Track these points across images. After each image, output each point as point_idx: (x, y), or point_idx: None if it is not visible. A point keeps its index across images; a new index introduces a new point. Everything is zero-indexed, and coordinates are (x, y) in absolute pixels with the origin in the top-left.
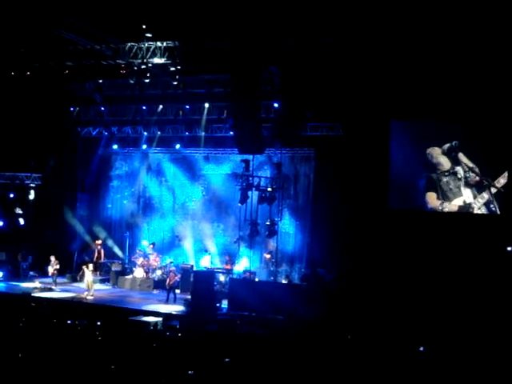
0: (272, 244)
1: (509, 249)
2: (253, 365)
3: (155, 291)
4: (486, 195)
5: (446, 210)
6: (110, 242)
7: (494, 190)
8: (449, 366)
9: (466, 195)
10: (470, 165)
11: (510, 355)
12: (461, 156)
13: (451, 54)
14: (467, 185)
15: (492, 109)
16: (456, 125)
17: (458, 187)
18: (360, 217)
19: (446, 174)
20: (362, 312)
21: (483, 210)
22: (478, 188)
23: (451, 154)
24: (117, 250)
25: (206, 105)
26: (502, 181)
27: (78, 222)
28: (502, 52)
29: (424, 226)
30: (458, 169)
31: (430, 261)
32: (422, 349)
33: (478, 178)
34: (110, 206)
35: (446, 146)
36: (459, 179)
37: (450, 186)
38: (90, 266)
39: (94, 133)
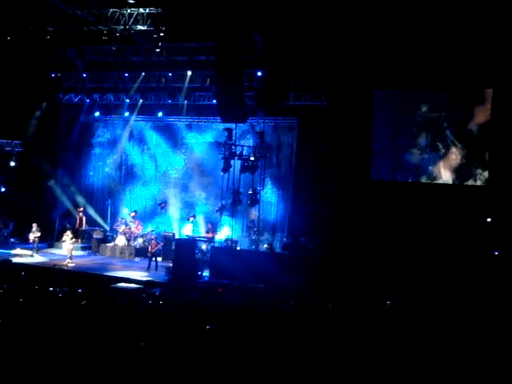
0: (254, 213)
1: (488, 220)
2: (234, 333)
3: (137, 259)
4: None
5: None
6: (91, 210)
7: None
8: (430, 332)
9: (446, 178)
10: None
11: (489, 322)
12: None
13: (435, 21)
14: (447, 167)
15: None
16: (442, 94)
17: (438, 168)
18: (342, 186)
19: (427, 149)
20: (343, 281)
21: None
22: (459, 173)
23: (436, 128)
24: (98, 217)
25: (189, 72)
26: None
27: (59, 189)
28: (488, 17)
29: (405, 196)
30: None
31: (412, 231)
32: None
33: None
34: (91, 173)
35: (432, 116)
36: (439, 157)
37: (430, 166)
38: (70, 233)
39: (76, 99)
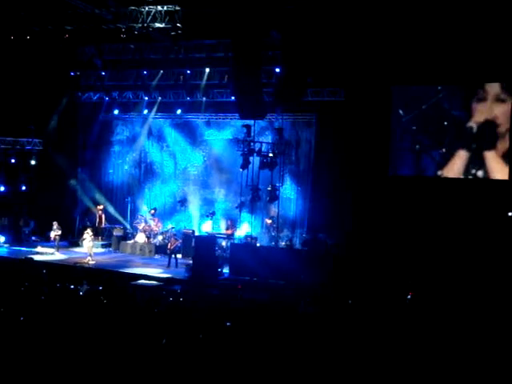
0: (273, 209)
1: (510, 214)
2: (254, 329)
3: (157, 256)
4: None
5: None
6: (111, 207)
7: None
8: (448, 328)
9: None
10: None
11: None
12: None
13: (452, 17)
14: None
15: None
16: (460, 87)
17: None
18: (361, 182)
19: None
20: (363, 277)
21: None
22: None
23: (454, 122)
24: (118, 215)
25: (207, 69)
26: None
27: (79, 188)
28: (502, 15)
29: (424, 191)
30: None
31: (431, 226)
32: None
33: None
34: (111, 171)
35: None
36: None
37: (447, 156)
38: (90, 230)
39: (95, 98)
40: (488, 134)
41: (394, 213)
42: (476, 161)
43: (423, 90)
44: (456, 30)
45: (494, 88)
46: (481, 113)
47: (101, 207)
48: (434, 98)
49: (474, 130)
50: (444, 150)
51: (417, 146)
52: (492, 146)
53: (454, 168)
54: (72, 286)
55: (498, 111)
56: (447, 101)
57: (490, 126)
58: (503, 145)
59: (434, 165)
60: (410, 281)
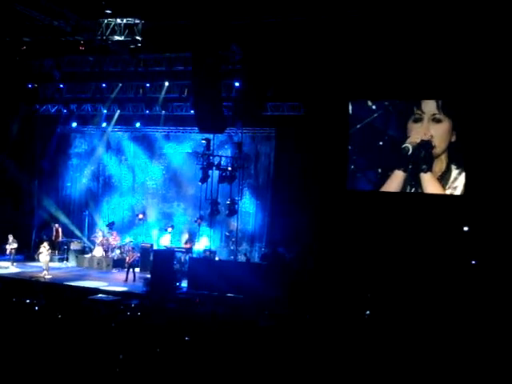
0: (232, 223)
1: (465, 229)
2: (212, 343)
3: (114, 270)
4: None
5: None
6: (68, 221)
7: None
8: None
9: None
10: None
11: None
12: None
13: (409, 32)
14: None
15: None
16: (417, 102)
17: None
18: (320, 196)
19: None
20: (322, 291)
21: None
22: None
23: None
24: (75, 228)
25: (166, 83)
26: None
27: (36, 201)
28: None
29: (382, 206)
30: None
31: (389, 240)
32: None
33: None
34: (69, 184)
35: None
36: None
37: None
38: (47, 244)
39: (53, 110)
40: (424, 156)
41: (352, 227)
42: (413, 182)
43: (359, 108)
44: (413, 45)
45: (430, 107)
46: (417, 133)
47: (58, 221)
48: (368, 117)
49: (410, 151)
50: (380, 170)
51: (351, 167)
52: (428, 168)
53: (391, 189)
54: (28, 301)
55: (434, 132)
56: (382, 120)
57: (425, 146)
58: (439, 166)
59: (370, 185)
60: (368, 294)
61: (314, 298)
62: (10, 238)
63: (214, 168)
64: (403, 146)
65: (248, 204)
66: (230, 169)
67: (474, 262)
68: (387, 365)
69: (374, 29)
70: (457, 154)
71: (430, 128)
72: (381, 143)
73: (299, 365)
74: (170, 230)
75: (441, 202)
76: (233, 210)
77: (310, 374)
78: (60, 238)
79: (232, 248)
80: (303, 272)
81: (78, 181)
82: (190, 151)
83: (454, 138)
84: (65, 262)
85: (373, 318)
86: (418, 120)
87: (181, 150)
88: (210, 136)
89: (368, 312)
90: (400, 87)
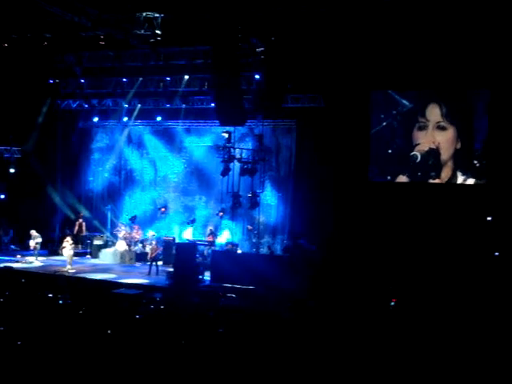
0: (255, 216)
1: (489, 218)
2: (235, 336)
3: (137, 264)
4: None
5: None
6: (91, 216)
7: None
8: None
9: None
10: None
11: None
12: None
13: (431, 22)
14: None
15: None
16: (421, 111)
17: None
18: (341, 188)
19: (427, 150)
20: (344, 282)
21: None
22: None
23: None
24: (98, 223)
25: (186, 76)
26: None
27: (58, 196)
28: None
29: (404, 196)
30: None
31: (411, 231)
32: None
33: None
34: (91, 179)
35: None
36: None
37: (429, 163)
38: (70, 239)
39: (74, 105)
40: (432, 163)
41: (374, 218)
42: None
43: (403, 95)
44: (436, 35)
45: (434, 115)
46: (424, 141)
47: (81, 215)
48: (378, 126)
49: (419, 158)
50: (389, 177)
51: (397, 151)
52: (436, 175)
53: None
54: (51, 295)
55: (440, 139)
56: (389, 129)
57: (433, 154)
58: (446, 173)
59: (414, 170)
60: (391, 286)
61: (336, 290)
62: (33, 233)
63: (235, 161)
64: (411, 153)
65: (269, 196)
66: (251, 161)
67: (496, 254)
68: (412, 356)
69: (396, 19)
70: (462, 161)
71: (436, 136)
72: (390, 151)
73: (323, 356)
74: (192, 223)
75: (464, 192)
76: (254, 203)
77: (333, 365)
78: (83, 233)
79: (254, 241)
80: (326, 263)
81: (100, 175)
82: (210, 144)
83: (458, 146)
84: (88, 256)
85: (397, 309)
86: (423, 128)
87: (202, 143)
88: (231, 129)
89: (393, 303)
90: (421, 77)
